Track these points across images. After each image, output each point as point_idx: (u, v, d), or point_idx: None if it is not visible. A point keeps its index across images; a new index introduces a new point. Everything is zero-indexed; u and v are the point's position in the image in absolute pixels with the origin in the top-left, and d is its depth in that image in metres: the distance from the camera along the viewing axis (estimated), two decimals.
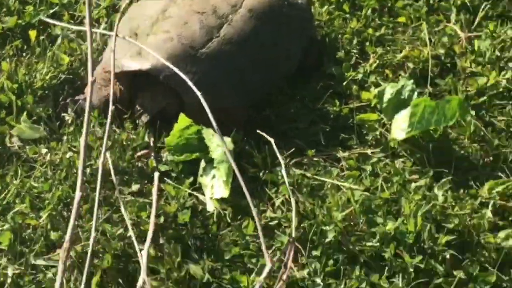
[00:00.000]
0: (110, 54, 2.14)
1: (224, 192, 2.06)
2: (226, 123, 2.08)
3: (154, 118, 2.20)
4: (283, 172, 2.05)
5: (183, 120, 2.15)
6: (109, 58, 2.14)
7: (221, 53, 2.22)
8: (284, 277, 1.83)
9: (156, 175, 2.08)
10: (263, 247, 1.84)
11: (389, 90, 2.28)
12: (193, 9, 2.27)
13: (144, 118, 2.20)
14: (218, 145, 2.12)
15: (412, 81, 2.29)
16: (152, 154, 2.17)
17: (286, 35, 2.38)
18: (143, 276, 1.74)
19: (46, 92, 2.33)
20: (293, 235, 1.90)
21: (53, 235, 1.95)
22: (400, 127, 2.21)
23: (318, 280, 1.88)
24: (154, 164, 2.14)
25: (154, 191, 2.02)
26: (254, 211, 1.87)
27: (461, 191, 2.07)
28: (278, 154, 2.06)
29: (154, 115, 2.20)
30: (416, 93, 2.26)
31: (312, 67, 2.43)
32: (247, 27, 2.27)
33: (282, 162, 2.07)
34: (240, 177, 1.90)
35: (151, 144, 2.20)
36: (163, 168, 2.13)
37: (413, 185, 2.08)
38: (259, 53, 2.29)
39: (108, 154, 2.11)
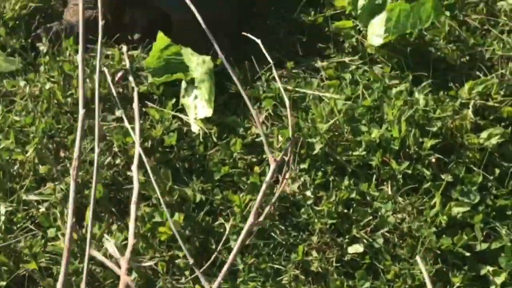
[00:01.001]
0: None
1: (208, 111, 2.05)
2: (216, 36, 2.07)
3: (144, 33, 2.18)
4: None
5: (161, 39, 2.12)
6: None
7: None
8: (287, 175, 1.85)
9: (136, 96, 2.05)
10: (266, 149, 1.85)
11: None
12: None
13: (137, 33, 2.16)
14: (198, 64, 2.11)
15: None
16: (130, 76, 2.15)
17: None
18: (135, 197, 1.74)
19: (17, 22, 2.30)
20: (290, 134, 1.90)
21: (42, 169, 1.95)
22: (376, 32, 2.21)
23: (309, 193, 1.91)
24: (134, 87, 2.11)
25: (136, 115, 2.00)
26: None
27: (441, 93, 2.09)
28: (267, 55, 2.02)
29: (146, 30, 2.17)
30: None
31: None
32: None
33: (276, 74, 2.06)
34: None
35: (128, 66, 2.17)
36: (143, 90, 2.12)
37: (394, 90, 2.09)
38: None
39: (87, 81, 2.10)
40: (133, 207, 1.72)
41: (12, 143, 1.99)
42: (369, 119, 2.03)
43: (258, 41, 2.05)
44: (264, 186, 1.78)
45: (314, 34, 2.30)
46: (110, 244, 1.70)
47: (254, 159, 1.99)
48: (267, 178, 1.79)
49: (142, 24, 2.19)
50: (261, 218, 1.74)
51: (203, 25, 1.95)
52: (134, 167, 1.82)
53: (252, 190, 1.90)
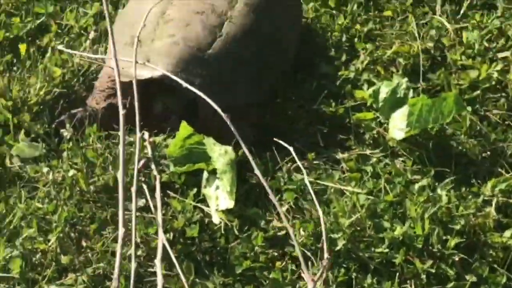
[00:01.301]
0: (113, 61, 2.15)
1: (229, 203, 2.05)
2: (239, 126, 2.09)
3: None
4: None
5: (184, 128, 2.14)
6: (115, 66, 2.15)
7: (227, 51, 2.22)
8: None
9: (158, 186, 2.05)
10: (303, 266, 1.83)
11: (384, 89, 2.29)
12: (192, 9, 2.27)
13: (174, 120, 2.18)
14: (220, 154, 2.12)
15: (406, 79, 2.31)
16: (152, 164, 2.16)
17: (283, 25, 2.40)
18: None
19: (41, 107, 2.31)
20: (326, 255, 1.88)
21: (64, 259, 1.94)
22: (398, 126, 2.22)
23: None
24: (156, 176, 2.11)
25: (158, 205, 2.00)
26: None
27: (463, 189, 2.09)
28: (298, 163, 2.07)
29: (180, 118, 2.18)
30: (411, 91, 2.28)
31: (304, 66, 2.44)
32: (247, 21, 2.28)
33: (305, 172, 2.08)
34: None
35: (150, 155, 2.18)
36: (165, 179, 2.12)
37: (416, 186, 2.09)
38: (262, 45, 2.30)
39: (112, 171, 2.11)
40: None
41: (35, 231, 1.98)
42: (391, 215, 2.03)
43: (291, 148, 2.09)
44: None
45: (335, 125, 2.32)
46: None
47: (276, 253, 1.98)
48: None
49: (176, 111, 2.20)
50: None
51: (225, 118, 1.98)
52: (157, 260, 1.81)
53: (273, 286, 1.89)
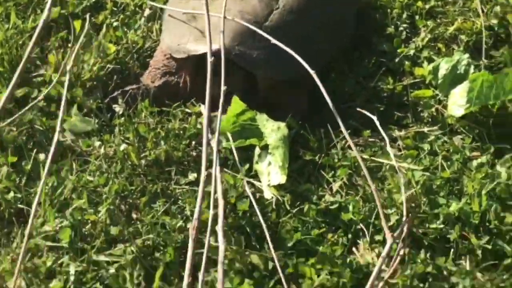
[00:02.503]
0: (169, 38, 2.18)
1: (281, 178, 2.02)
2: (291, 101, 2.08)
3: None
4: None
5: (237, 104, 2.11)
6: (170, 42, 2.19)
7: (284, 24, 2.20)
8: (401, 252, 1.81)
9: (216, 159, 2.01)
10: (383, 223, 1.80)
11: (444, 65, 2.23)
12: None
13: (237, 95, 2.13)
14: (273, 130, 2.09)
15: (467, 55, 2.25)
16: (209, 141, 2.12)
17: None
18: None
19: (95, 83, 2.31)
20: (404, 211, 1.86)
21: (113, 230, 1.93)
22: (457, 103, 2.16)
23: (383, 266, 1.84)
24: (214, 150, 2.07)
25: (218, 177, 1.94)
26: None
27: None
28: (382, 131, 2.04)
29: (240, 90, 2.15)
30: (472, 67, 2.22)
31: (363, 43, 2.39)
32: None
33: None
34: None
35: (205, 131, 2.15)
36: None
37: (475, 162, 2.03)
38: (319, 18, 2.26)
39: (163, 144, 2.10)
40: (220, 268, 1.67)
41: (85, 203, 1.98)
42: (447, 192, 1.96)
43: (374, 118, 2.06)
44: (379, 261, 1.73)
45: (392, 103, 2.26)
46: None
47: (327, 227, 1.94)
48: (384, 253, 1.74)
49: (234, 87, 2.17)
50: None
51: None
52: (219, 226, 1.76)
53: (323, 260, 1.84)
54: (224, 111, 2.08)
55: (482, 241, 1.85)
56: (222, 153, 2.10)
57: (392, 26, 2.44)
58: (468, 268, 1.83)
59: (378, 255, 1.86)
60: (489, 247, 1.84)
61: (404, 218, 1.85)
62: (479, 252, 1.84)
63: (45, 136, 2.18)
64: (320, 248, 1.87)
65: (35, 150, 2.13)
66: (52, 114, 2.24)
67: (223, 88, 1.96)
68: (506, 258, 1.83)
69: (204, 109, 2.02)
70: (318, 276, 1.82)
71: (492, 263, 1.83)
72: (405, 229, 1.83)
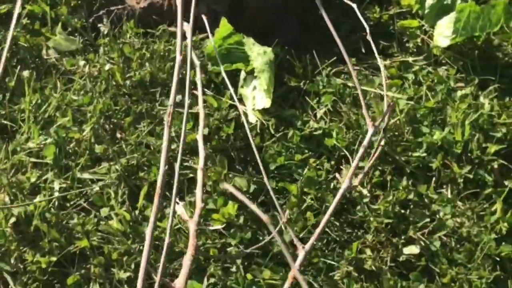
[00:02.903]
0: None
1: (266, 102, 2.02)
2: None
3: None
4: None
5: (225, 27, 2.09)
6: None
7: None
8: (382, 142, 1.83)
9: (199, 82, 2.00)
10: (364, 111, 1.82)
11: None
12: None
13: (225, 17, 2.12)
14: (259, 54, 2.08)
15: None
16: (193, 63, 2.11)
17: None
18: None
19: (79, 2, 2.28)
20: (385, 99, 1.88)
21: (98, 148, 1.93)
22: (443, 33, 2.16)
23: (365, 191, 1.86)
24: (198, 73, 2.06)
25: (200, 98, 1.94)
26: None
27: (507, 99, 2.04)
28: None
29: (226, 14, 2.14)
30: None
31: None
32: None
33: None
34: None
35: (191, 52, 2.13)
36: (202, 77, 2.08)
37: (459, 93, 2.04)
38: None
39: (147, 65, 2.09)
40: (199, 173, 1.68)
41: (69, 121, 1.97)
42: (431, 121, 1.98)
43: (354, 5, 2.06)
44: (361, 151, 1.74)
45: (378, 32, 2.25)
46: (179, 207, 1.69)
47: (311, 152, 1.95)
48: (365, 142, 1.75)
49: (221, 11, 2.14)
50: (356, 183, 1.72)
51: None
52: (199, 136, 1.76)
53: (308, 183, 1.86)
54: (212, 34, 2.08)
55: (464, 170, 1.87)
56: (206, 77, 2.09)
57: None
58: (449, 196, 1.85)
59: (361, 182, 1.87)
60: (471, 176, 1.87)
61: (385, 107, 1.84)
62: (460, 181, 1.86)
63: (29, 53, 2.15)
64: (305, 172, 1.88)
65: (18, 67, 2.11)
66: (36, 32, 2.21)
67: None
68: (487, 187, 1.85)
69: (187, 27, 1.99)
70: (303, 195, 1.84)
71: (473, 192, 1.86)
72: (386, 118, 1.83)
